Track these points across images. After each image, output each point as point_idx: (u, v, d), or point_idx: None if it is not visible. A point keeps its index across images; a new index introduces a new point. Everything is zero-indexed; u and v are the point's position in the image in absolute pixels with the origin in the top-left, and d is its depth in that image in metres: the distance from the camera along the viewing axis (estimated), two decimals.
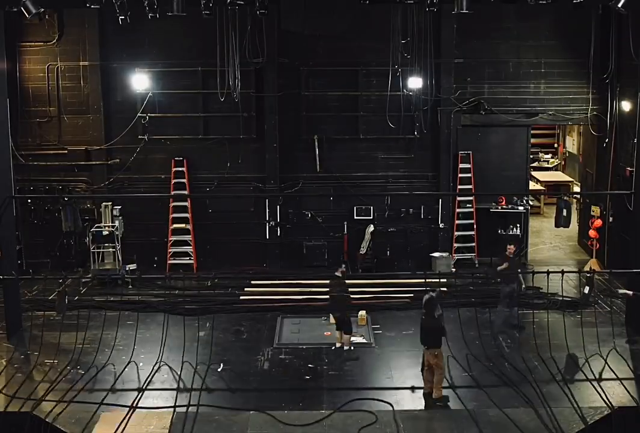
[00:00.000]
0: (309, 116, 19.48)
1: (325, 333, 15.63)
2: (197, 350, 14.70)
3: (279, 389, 13.16)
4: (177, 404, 12.66)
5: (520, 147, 20.03)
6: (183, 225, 19.59)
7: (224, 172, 19.57)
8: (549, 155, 28.91)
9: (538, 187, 25.51)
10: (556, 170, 28.40)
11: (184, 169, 19.45)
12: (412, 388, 13.20)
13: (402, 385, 13.37)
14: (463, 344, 14.87)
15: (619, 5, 14.03)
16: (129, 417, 12.14)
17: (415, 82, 18.95)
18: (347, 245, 19.79)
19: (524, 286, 16.33)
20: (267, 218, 19.70)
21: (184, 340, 14.86)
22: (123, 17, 14.23)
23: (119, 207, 19.21)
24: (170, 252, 19.58)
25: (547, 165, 28.43)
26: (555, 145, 29.58)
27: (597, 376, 13.48)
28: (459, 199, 19.79)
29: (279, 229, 19.72)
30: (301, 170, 19.67)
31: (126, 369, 14.02)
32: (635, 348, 14.76)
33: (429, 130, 19.44)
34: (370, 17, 18.31)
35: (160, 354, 14.47)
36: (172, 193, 19.49)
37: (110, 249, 18.79)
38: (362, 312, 15.79)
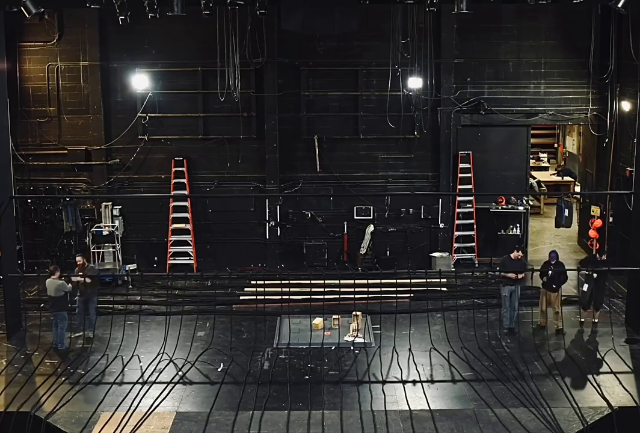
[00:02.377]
0: (309, 116, 19.49)
1: (325, 333, 15.62)
2: (197, 351, 14.74)
3: (279, 389, 13.16)
4: (177, 404, 12.70)
5: (520, 147, 20.04)
6: (183, 225, 19.59)
7: (224, 172, 19.57)
8: (545, 155, 28.86)
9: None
10: (556, 170, 28.38)
11: (184, 169, 19.45)
12: (413, 382, 13.25)
13: (402, 385, 13.39)
14: (462, 344, 14.90)
15: (619, 5, 14.07)
16: (129, 417, 12.16)
17: (415, 82, 18.95)
18: (347, 245, 19.80)
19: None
20: (267, 219, 19.70)
21: (180, 340, 14.89)
22: (123, 17, 14.25)
23: (119, 207, 19.25)
24: (170, 252, 19.58)
25: (544, 165, 28.39)
26: (555, 145, 29.57)
27: (596, 376, 13.50)
28: (459, 199, 19.80)
29: (279, 229, 19.73)
30: (301, 170, 19.68)
31: (126, 369, 14.03)
32: (635, 347, 14.77)
33: (429, 130, 19.44)
34: (370, 17, 18.30)
35: (161, 355, 14.51)
36: (172, 193, 19.49)
37: (110, 249, 18.82)
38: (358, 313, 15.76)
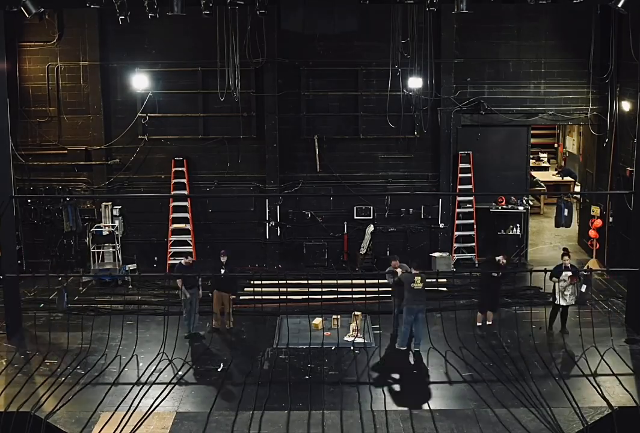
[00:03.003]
0: (309, 116, 19.49)
1: (325, 333, 15.62)
2: (197, 351, 14.74)
3: (279, 389, 13.16)
4: (177, 404, 12.69)
5: (520, 147, 20.04)
6: (183, 225, 19.59)
7: (224, 172, 19.57)
8: (545, 155, 28.85)
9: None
10: (555, 170, 28.38)
11: (184, 169, 19.45)
12: (413, 384, 13.23)
13: (402, 385, 13.38)
14: (462, 344, 14.90)
15: (619, 5, 14.07)
16: (129, 417, 12.15)
17: (415, 82, 18.95)
18: (347, 245, 19.80)
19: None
20: (267, 219, 19.70)
21: (179, 340, 14.87)
22: (123, 17, 14.26)
23: (119, 207, 19.25)
24: (170, 252, 19.58)
25: (544, 165, 28.38)
26: (555, 145, 29.57)
27: (596, 376, 13.50)
28: (459, 199, 19.80)
29: (279, 229, 19.73)
30: (301, 170, 19.68)
31: (126, 369, 14.02)
32: (634, 347, 14.76)
33: (429, 130, 19.45)
34: (370, 17, 18.29)
35: (160, 355, 14.50)
36: (172, 193, 19.49)
37: (110, 249, 18.81)
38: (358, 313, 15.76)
